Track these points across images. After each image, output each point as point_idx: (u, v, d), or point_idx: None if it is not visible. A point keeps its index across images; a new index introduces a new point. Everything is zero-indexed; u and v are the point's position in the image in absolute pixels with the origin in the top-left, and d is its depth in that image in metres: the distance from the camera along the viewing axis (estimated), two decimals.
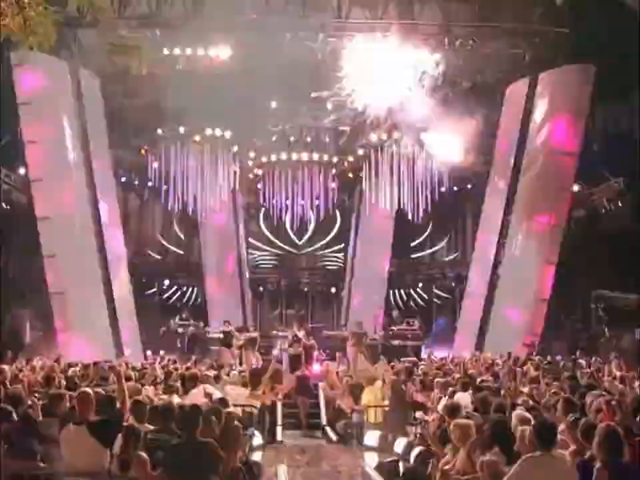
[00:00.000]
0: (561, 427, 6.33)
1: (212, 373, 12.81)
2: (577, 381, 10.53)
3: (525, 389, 10.08)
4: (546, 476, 5.38)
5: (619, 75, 17.46)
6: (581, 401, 7.60)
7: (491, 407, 7.88)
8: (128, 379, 9.27)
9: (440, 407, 8.81)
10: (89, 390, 6.86)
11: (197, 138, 21.12)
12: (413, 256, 27.05)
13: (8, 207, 20.24)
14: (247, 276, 25.57)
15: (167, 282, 25.88)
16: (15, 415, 6.59)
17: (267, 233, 27.19)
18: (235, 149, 21.50)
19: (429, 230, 26.57)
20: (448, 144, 21.18)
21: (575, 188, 21.33)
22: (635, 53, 15.61)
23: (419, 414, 10.83)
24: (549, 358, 16.03)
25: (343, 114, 22.37)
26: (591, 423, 5.84)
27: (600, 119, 19.84)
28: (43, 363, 14.13)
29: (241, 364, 17.27)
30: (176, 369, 13.80)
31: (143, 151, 21.38)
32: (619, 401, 6.88)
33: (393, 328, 22.12)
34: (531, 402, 8.62)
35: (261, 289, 27.10)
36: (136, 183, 24.42)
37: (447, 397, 9.52)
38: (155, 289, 25.83)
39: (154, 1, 18.55)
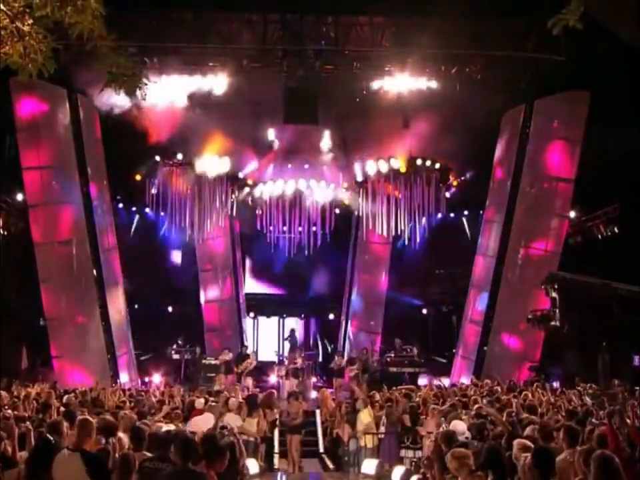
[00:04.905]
0: (562, 455, 6.27)
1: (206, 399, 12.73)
2: (577, 408, 10.47)
3: (525, 416, 10.00)
4: None
5: (613, 101, 17.60)
6: (582, 429, 7.54)
7: (489, 434, 7.83)
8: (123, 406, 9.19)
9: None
10: (89, 417, 6.77)
11: (195, 165, 21.18)
12: (410, 281, 26.89)
13: (5, 233, 20.22)
14: (244, 302, 25.48)
15: (163, 308, 25.75)
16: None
17: (264, 259, 27.12)
18: (234, 175, 21.57)
19: (426, 255, 26.44)
20: (444, 170, 21.36)
21: (572, 214, 21.38)
22: (629, 80, 15.74)
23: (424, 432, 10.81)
24: (548, 384, 15.98)
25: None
26: (591, 451, 5.76)
27: (596, 146, 19.91)
28: (39, 389, 14.04)
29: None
30: (172, 396, 13.72)
31: (140, 178, 21.41)
32: (620, 428, 6.83)
33: (390, 355, 22.02)
34: (531, 429, 8.55)
35: (258, 314, 26.97)
36: (133, 209, 24.47)
37: (444, 424, 9.46)
38: (151, 315, 25.68)
39: (152, 29, 18.67)
